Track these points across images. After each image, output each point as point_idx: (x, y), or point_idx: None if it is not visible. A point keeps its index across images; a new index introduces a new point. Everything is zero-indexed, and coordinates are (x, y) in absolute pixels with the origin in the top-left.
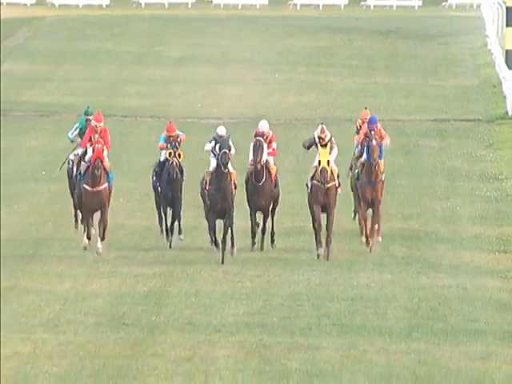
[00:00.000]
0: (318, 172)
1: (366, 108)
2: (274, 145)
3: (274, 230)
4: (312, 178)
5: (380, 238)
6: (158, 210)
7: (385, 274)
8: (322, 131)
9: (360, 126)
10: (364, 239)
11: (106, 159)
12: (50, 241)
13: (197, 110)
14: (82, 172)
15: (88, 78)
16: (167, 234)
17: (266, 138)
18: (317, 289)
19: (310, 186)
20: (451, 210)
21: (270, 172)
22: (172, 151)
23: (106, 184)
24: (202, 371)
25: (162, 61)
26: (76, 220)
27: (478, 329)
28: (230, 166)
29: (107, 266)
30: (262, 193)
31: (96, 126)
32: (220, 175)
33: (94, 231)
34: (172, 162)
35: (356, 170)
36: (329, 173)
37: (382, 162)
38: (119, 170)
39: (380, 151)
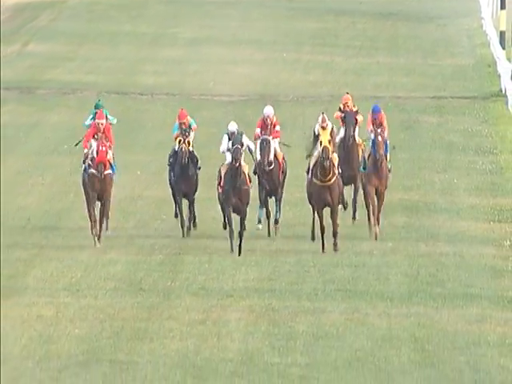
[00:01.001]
0: (321, 151)
1: (347, 93)
2: (277, 127)
3: (280, 214)
4: (312, 175)
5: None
6: (174, 199)
7: (386, 242)
8: (323, 120)
9: (340, 109)
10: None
11: (109, 154)
12: (71, 211)
13: (209, 88)
14: (89, 162)
15: (107, 57)
16: (182, 222)
17: (271, 122)
18: (322, 256)
19: (308, 182)
20: (449, 182)
21: (277, 158)
22: (182, 138)
23: (110, 171)
24: (214, 333)
25: (176, 41)
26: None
27: (473, 293)
28: (242, 161)
29: (124, 236)
30: (271, 179)
31: (98, 124)
32: (234, 171)
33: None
34: (181, 149)
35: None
36: (330, 151)
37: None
38: (137, 144)
39: (386, 146)
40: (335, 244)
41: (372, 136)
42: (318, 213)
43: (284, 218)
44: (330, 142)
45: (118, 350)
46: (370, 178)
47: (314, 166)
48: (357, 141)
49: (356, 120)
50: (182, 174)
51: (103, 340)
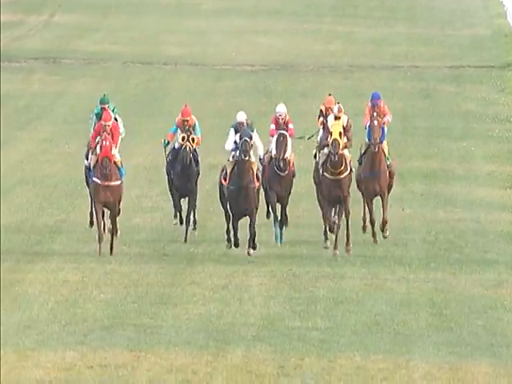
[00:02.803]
0: (330, 145)
1: (330, 94)
2: (291, 125)
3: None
4: (323, 169)
5: (387, 233)
6: (173, 199)
7: (405, 209)
8: (339, 110)
9: (321, 111)
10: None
11: (116, 156)
12: None
13: (231, 58)
14: (92, 165)
15: (131, 28)
16: (181, 224)
17: (284, 120)
18: (342, 223)
19: (319, 178)
20: (466, 150)
21: (289, 162)
22: (185, 135)
23: (119, 182)
24: (236, 298)
25: (199, 12)
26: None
27: (490, 259)
28: (251, 155)
29: (149, 202)
30: (284, 182)
31: (105, 126)
32: (241, 166)
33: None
34: (185, 147)
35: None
36: (341, 146)
37: (385, 144)
38: (161, 112)
39: (382, 133)
40: (348, 244)
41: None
42: (328, 208)
43: (304, 186)
44: (341, 136)
45: (142, 315)
46: (368, 185)
47: (325, 160)
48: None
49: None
50: (184, 173)
51: (128, 304)
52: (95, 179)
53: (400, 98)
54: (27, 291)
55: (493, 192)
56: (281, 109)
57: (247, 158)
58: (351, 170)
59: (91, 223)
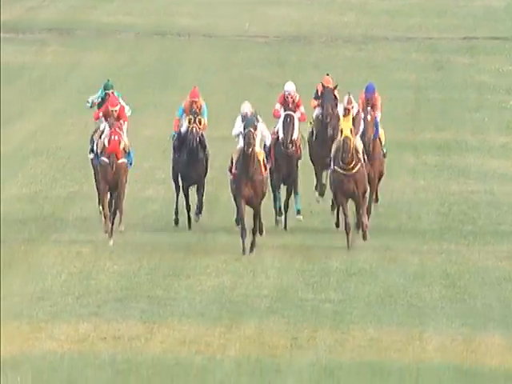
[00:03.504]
0: (340, 145)
1: (327, 74)
2: (301, 109)
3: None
4: (334, 163)
5: (378, 204)
6: (176, 190)
7: (418, 181)
8: (349, 102)
9: (317, 92)
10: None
11: (124, 141)
12: None
13: (245, 29)
14: (100, 150)
15: None
16: (188, 214)
17: (293, 100)
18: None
19: (331, 173)
20: (480, 121)
21: (295, 143)
22: (192, 117)
23: (125, 159)
24: (249, 270)
25: None
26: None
27: (504, 230)
28: (256, 146)
29: (162, 173)
30: (290, 164)
31: (112, 111)
32: (246, 158)
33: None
34: (192, 129)
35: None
36: (352, 146)
37: (382, 134)
38: (174, 84)
39: (376, 128)
40: (364, 235)
41: (318, 112)
42: (342, 205)
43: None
44: (352, 132)
45: (155, 286)
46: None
47: (335, 155)
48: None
49: (335, 97)
50: (191, 159)
51: (141, 276)
52: (103, 158)
53: (413, 70)
54: (41, 263)
55: (506, 163)
56: (289, 87)
57: (250, 151)
58: (365, 161)
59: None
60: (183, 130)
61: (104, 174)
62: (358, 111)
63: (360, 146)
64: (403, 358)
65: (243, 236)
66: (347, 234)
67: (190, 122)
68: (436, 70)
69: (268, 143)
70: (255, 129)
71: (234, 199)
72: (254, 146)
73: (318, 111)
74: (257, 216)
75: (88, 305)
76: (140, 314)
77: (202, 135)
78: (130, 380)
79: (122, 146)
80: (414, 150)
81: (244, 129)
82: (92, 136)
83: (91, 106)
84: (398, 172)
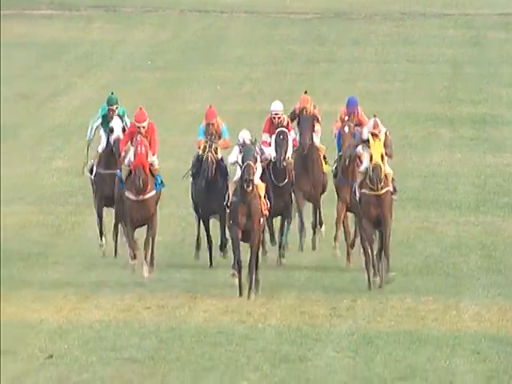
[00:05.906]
0: (370, 172)
1: (305, 92)
2: (292, 133)
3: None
4: (361, 186)
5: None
6: (198, 222)
7: (455, 154)
8: (375, 126)
9: (294, 111)
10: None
11: (155, 162)
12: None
13: (286, 5)
14: (124, 178)
15: None
16: (210, 250)
17: (281, 122)
18: (394, 166)
19: (358, 196)
20: None
21: (288, 172)
22: (207, 144)
23: (154, 192)
24: (290, 242)
25: None
26: (101, 232)
27: None
28: (256, 180)
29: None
30: (282, 196)
31: (139, 128)
32: (244, 191)
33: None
34: (207, 158)
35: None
36: (383, 171)
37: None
38: (217, 60)
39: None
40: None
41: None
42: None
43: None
44: (383, 158)
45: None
46: (341, 191)
47: (363, 180)
48: (317, 145)
49: (313, 126)
50: (209, 189)
51: (185, 247)
52: (128, 194)
53: (450, 46)
54: (87, 234)
55: None
56: (276, 106)
57: (250, 189)
58: (395, 189)
59: (101, 241)
60: (198, 155)
61: (129, 209)
62: (386, 134)
63: (391, 173)
64: (440, 326)
65: (240, 273)
66: (368, 258)
67: (204, 150)
68: (472, 45)
69: (273, 156)
70: (255, 162)
71: (231, 233)
72: (254, 182)
73: (297, 138)
74: (254, 255)
75: (132, 275)
76: (183, 284)
77: (221, 159)
78: (174, 348)
79: (149, 159)
80: (450, 123)
81: (242, 161)
82: (85, 156)
83: (93, 135)
84: (435, 145)
